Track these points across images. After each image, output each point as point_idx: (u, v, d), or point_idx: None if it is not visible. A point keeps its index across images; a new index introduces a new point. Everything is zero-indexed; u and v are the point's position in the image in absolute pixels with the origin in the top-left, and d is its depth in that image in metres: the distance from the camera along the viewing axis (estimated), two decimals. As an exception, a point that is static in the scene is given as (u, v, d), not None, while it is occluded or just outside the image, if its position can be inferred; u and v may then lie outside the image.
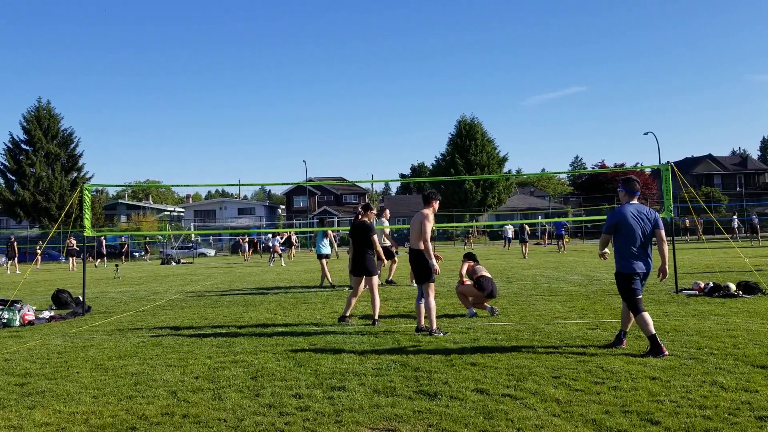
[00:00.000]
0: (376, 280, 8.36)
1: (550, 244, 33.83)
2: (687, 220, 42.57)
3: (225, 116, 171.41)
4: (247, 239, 38.63)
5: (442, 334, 7.08)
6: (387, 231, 13.92)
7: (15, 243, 28.89)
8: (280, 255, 27.92)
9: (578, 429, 3.83)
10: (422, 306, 7.37)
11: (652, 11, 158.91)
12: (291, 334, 7.66)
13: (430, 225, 7.26)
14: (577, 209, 58.08)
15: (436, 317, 7.50)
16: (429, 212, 7.33)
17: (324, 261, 14.21)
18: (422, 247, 7.23)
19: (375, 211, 8.98)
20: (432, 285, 7.28)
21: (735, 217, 37.28)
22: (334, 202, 77.35)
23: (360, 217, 8.79)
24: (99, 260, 32.79)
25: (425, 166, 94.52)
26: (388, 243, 13.91)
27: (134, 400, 4.77)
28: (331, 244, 14.99)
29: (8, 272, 27.59)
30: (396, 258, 14.36)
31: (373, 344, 6.74)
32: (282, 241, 30.45)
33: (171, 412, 4.45)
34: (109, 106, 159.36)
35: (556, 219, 24.31)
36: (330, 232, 15.58)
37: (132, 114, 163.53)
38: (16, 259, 28.82)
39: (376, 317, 8.18)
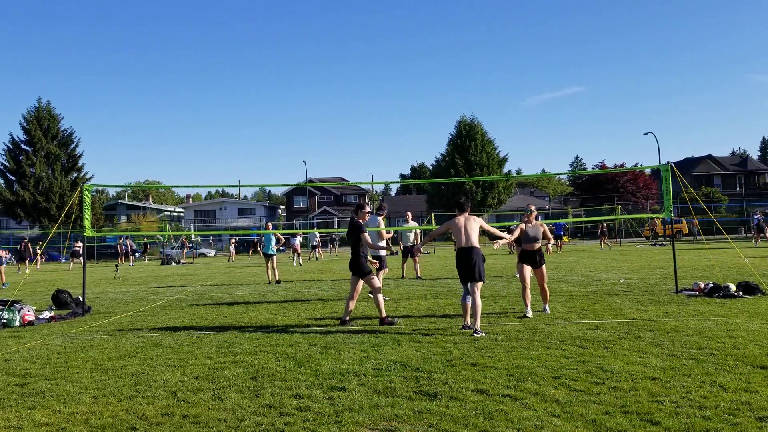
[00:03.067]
0: (375, 279, 8.36)
1: (555, 244, 34.10)
2: (684, 221, 42.35)
3: (225, 116, 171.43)
4: (234, 240, 38.75)
5: (483, 334, 7.06)
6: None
7: (29, 244, 28.73)
8: (299, 254, 27.75)
9: (578, 429, 3.83)
10: (469, 304, 7.36)
11: (652, 11, 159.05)
12: (291, 334, 7.66)
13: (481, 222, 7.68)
14: (577, 209, 58.07)
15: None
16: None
17: (273, 259, 16.50)
18: (477, 244, 7.41)
19: (367, 211, 8.92)
20: (481, 284, 7.38)
21: (758, 216, 31.35)
22: (334, 202, 77.34)
23: (355, 217, 8.72)
24: (125, 259, 32.86)
25: (425, 167, 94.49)
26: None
27: (134, 400, 4.77)
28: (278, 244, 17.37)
29: (20, 272, 27.55)
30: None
31: (373, 344, 6.74)
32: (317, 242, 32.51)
33: (171, 412, 4.45)
34: (109, 106, 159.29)
35: (555, 220, 24.30)
36: (279, 234, 18.16)
37: (132, 114, 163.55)
38: (27, 260, 28.62)
39: (383, 315, 8.15)
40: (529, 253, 8.75)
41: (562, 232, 32.18)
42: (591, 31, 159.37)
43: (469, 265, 7.32)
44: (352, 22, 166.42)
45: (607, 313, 8.50)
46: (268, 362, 5.99)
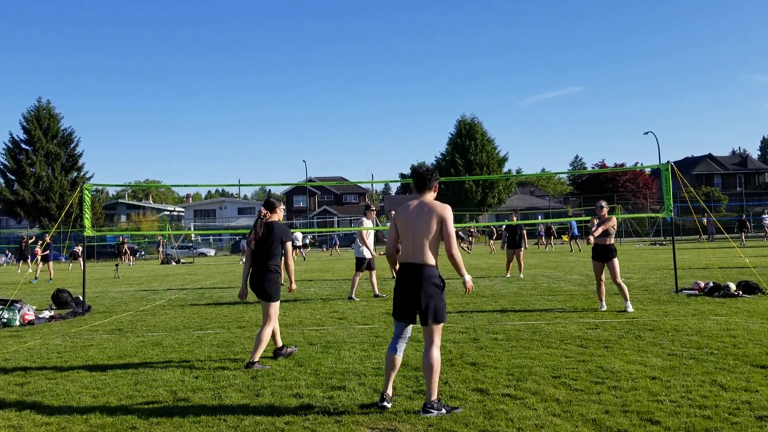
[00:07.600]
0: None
1: (565, 243, 34.45)
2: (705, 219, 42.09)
3: (225, 116, 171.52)
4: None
5: (443, 411, 4.20)
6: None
7: (28, 243, 28.66)
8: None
9: (578, 429, 3.83)
10: (399, 359, 4.46)
11: (652, 11, 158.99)
12: (291, 333, 7.65)
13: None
14: (577, 209, 58.08)
15: None
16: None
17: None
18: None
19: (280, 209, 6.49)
20: (439, 327, 4.38)
21: (765, 216, 31.51)
22: (334, 201, 77.35)
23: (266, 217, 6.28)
24: (124, 258, 32.89)
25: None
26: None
27: (134, 400, 4.77)
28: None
29: (19, 271, 27.53)
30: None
31: (373, 344, 6.74)
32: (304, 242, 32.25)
33: (171, 412, 4.44)
34: (108, 107, 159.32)
35: (553, 220, 24.38)
36: None
37: (132, 114, 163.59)
38: (29, 259, 28.53)
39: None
40: (600, 248, 9.00)
41: (543, 234, 32.69)
42: (591, 31, 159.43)
43: (415, 293, 4.23)
44: (352, 23, 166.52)
45: (607, 313, 8.50)
46: (268, 362, 5.99)
